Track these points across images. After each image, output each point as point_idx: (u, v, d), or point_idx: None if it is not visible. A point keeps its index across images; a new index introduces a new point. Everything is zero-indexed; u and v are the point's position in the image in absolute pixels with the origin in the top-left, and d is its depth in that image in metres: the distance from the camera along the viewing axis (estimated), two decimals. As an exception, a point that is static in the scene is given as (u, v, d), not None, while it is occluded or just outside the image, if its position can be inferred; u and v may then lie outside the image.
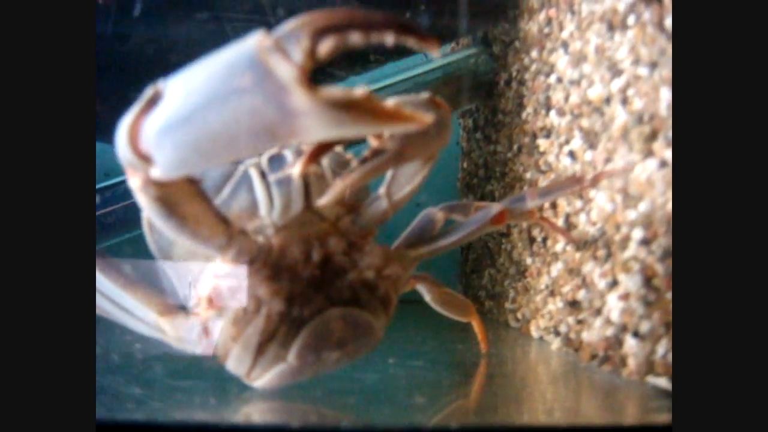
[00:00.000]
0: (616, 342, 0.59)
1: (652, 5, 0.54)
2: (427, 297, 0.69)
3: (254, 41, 0.34)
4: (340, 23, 0.35)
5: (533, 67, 0.80)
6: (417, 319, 0.82)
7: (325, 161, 0.54)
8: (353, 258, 0.52)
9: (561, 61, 0.71)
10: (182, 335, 0.51)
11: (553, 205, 0.74)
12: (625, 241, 0.57)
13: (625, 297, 0.57)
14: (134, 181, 0.41)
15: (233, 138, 0.37)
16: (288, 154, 0.52)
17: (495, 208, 0.58)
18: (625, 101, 0.59)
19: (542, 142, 0.78)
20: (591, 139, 0.65)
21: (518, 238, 0.90)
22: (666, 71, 0.53)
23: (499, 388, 0.66)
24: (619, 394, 0.58)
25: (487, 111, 1.05)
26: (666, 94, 0.52)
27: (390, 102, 0.35)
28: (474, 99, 1.10)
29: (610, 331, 0.60)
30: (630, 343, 0.56)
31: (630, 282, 0.56)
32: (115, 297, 0.50)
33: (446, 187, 1.31)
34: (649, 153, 0.55)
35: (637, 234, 0.56)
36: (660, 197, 0.53)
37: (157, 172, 0.39)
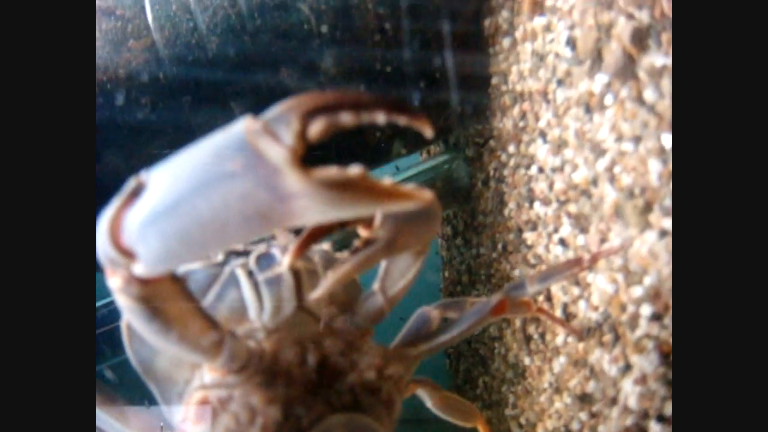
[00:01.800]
0: (639, 431, 0.55)
1: (629, 82, 0.55)
2: (429, 402, 0.64)
3: (242, 126, 0.33)
4: (330, 104, 0.34)
5: (512, 162, 0.80)
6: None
7: (317, 258, 0.51)
8: (352, 359, 0.49)
9: (540, 150, 0.71)
10: (168, 457, 0.45)
11: (548, 297, 0.72)
12: (634, 320, 0.55)
13: (642, 380, 0.54)
14: (114, 281, 0.38)
15: (224, 225, 0.34)
16: (276, 253, 0.49)
17: (495, 298, 0.55)
18: (612, 179, 0.58)
19: (529, 236, 0.77)
20: (581, 223, 0.64)
21: (512, 339, 0.87)
22: (651, 143, 0.53)
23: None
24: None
25: (465, 215, 1.05)
26: (655, 165, 0.52)
27: (386, 180, 0.33)
28: (451, 205, 1.10)
29: (629, 420, 0.56)
30: (654, 430, 0.52)
31: (645, 362, 0.53)
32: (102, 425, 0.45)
33: (430, 299, 1.29)
34: (646, 225, 0.53)
35: (646, 310, 0.53)
36: (665, 268, 0.51)
37: (140, 268, 0.36)
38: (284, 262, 0.47)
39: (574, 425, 0.66)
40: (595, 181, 0.61)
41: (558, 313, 0.69)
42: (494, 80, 0.84)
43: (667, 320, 0.51)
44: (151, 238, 0.35)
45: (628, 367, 0.56)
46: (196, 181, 0.34)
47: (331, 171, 0.33)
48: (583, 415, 0.64)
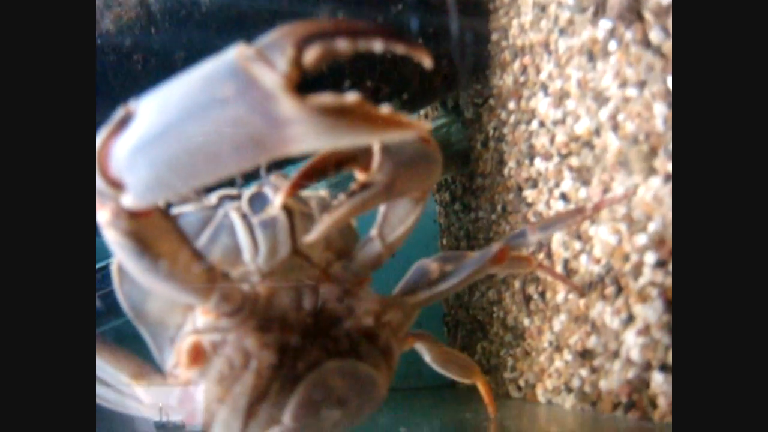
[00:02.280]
0: (641, 383, 0.54)
1: (634, 25, 0.53)
2: (427, 357, 0.63)
3: (234, 52, 0.31)
4: (327, 31, 0.33)
5: (512, 119, 0.78)
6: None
7: (313, 203, 0.50)
8: (349, 305, 0.47)
9: (541, 104, 0.70)
10: (160, 401, 0.44)
11: (549, 254, 0.71)
12: (638, 268, 0.54)
13: (645, 330, 0.53)
14: (103, 214, 0.37)
15: (215, 152, 0.33)
16: (269, 193, 0.48)
17: (495, 246, 0.54)
18: (616, 127, 0.57)
19: (529, 193, 0.75)
20: (583, 176, 0.63)
21: (512, 301, 0.86)
22: (657, 86, 0.51)
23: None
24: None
25: (464, 179, 1.03)
26: (660, 109, 0.51)
27: (385, 108, 0.31)
28: (448, 170, 1.08)
29: (632, 373, 0.55)
30: (657, 381, 0.51)
31: (649, 311, 0.52)
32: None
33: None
34: (651, 171, 0.52)
35: (650, 258, 0.52)
36: (670, 212, 0.50)
37: (129, 200, 0.35)
38: (276, 201, 0.46)
39: (575, 382, 0.65)
40: (597, 131, 0.60)
41: (559, 269, 0.68)
42: (494, 36, 0.82)
43: (671, 267, 0.50)
44: (140, 167, 0.34)
45: (630, 319, 0.55)
46: (187, 107, 0.32)
47: (327, 97, 0.31)
48: (584, 372, 0.63)
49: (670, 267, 0.50)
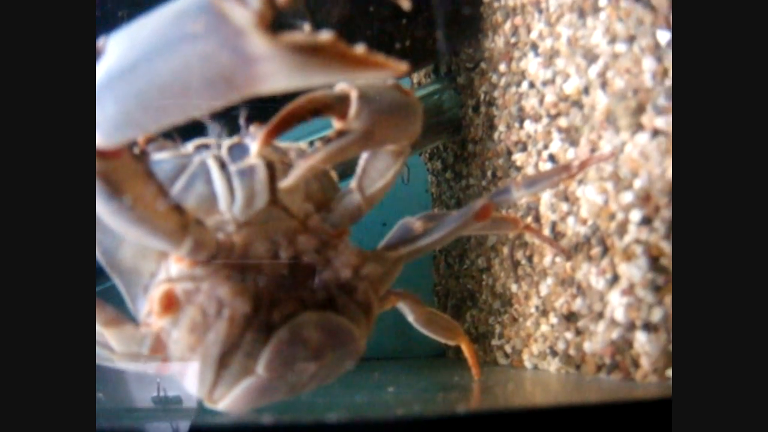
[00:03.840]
0: (624, 343, 0.53)
1: (624, -23, 0.52)
2: (411, 317, 0.62)
3: None
4: None
5: (502, 82, 0.77)
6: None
7: (292, 154, 0.49)
8: (326, 256, 0.46)
9: (531, 64, 0.68)
10: (131, 349, 0.43)
11: (537, 218, 0.70)
12: (623, 227, 0.53)
13: (629, 290, 0.52)
14: (70, 155, 0.36)
15: (184, 87, 0.32)
16: (249, 144, 0.47)
17: (479, 202, 0.53)
18: (605, 84, 0.56)
19: (518, 157, 0.74)
20: (572, 136, 0.62)
21: (500, 268, 0.85)
22: (646, 41, 0.50)
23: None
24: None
25: (456, 146, 1.02)
26: (649, 64, 0.49)
27: (360, 48, 0.30)
28: (440, 136, 1.07)
29: (615, 334, 0.54)
30: (640, 340, 0.51)
31: (633, 270, 0.51)
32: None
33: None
34: (638, 127, 0.51)
35: (636, 215, 0.51)
36: (657, 168, 0.49)
37: (97, 138, 0.34)
38: (252, 149, 0.45)
39: (560, 345, 0.64)
40: (587, 90, 0.59)
41: (547, 233, 0.67)
42: (486, -3, 0.80)
43: (657, 223, 0.49)
44: (108, 103, 0.33)
45: (615, 278, 0.54)
46: (156, 43, 0.32)
47: (299, 35, 0.30)
48: (569, 334, 0.62)
49: (655, 224, 0.50)
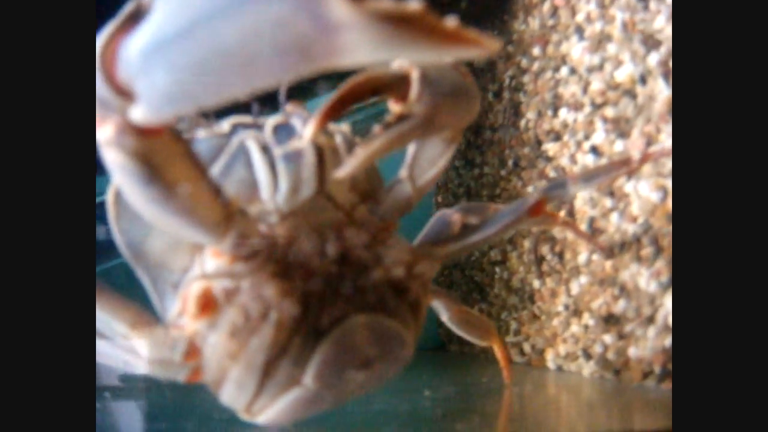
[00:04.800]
0: (681, 352, 0.49)
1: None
2: (445, 316, 0.58)
3: None
4: None
5: (535, 67, 0.73)
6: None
7: (338, 138, 0.44)
8: (376, 253, 0.42)
9: (575, 49, 0.64)
10: (161, 355, 0.38)
11: (571, 213, 0.66)
12: (687, 228, 0.49)
13: (690, 296, 0.48)
14: (105, 130, 0.30)
15: (252, 56, 0.26)
16: (297, 124, 0.42)
17: (532, 197, 0.49)
18: (667, 74, 0.51)
19: (550, 147, 0.70)
20: (621, 127, 0.58)
21: (518, 262, 0.81)
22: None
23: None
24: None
25: (468, 133, 0.98)
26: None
27: (450, 20, 0.25)
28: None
29: (669, 340, 0.50)
30: (701, 351, 0.47)
31: (698, 275, 0.47)
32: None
33: (418, 227, 1.22)
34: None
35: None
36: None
37: (140, 112, 0.28)
38: (306, 132, 0.40)
39: (596, 348, 0.61)
40: (643, 78, 0.55)
41: (583, 228, 0.63)
42: (520, -25, 0.76)
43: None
44: (158, 71, 0.27)
45: (672, 282, 0.51)
46: (218, 0, 0.26)
47: (386, 2, 0.25)
48: (608, 337, 0.59)
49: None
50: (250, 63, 0.27)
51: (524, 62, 0.75)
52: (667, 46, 0.52)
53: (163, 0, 0.28)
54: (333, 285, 0.39)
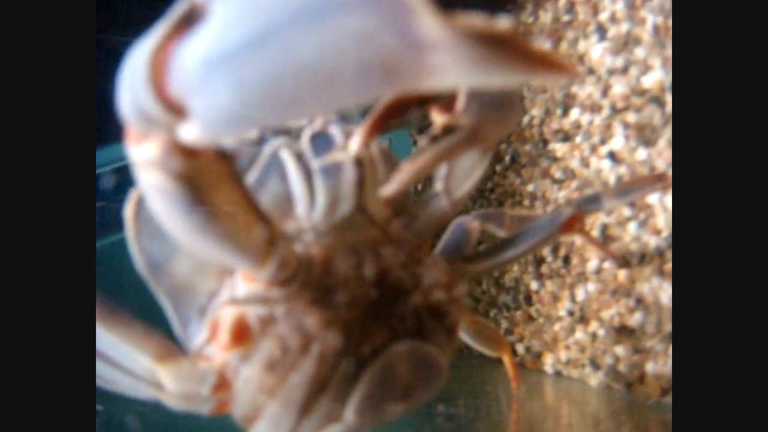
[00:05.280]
0: (707, 373, 0.48)
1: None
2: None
3: None
4: None
5: (544, 63, 0.70)
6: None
7: (375, 150, 0.40)
8: (414, 273, 0.39)
9: (595, 49, 0.62)
10: (188, 389, 0.35)
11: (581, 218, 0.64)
12: (722, 248, 0.48)
13: (720, 317, 0.47)
14: (148, 149, 0.26)
15: (332, 73, 0.22)
16: (336, 133, 0.38)
17: (565, 212, 0.47)
18: (703, 85, 0.50)
19: (558, 147, 0.68)
20: (646, 135, 0.56)
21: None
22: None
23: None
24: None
25: (459, 123, 0.95)
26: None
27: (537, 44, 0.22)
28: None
29: (694, 360, 0.49)
30: (730, 374, 0.46)
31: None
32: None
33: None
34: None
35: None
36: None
37: (192, 131, 0.24)
38: (350, 146, 0.36)
39: (606, 359, 0.60)
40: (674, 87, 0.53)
41: (594, 235, 0.62)
42: (529, -34, 0.73)
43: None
44: (221, 86, 0.23)
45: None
46: (293, 7, 0.22)
47: (477, 19, 0.22)
48: (621, 350, 0.58)
49: None
50: (329, 81, 0.23)
51: (532, 57, 0.73)
52: (704, 56, 0.50)
53: (223, 2, 0.24)
54: (373, 311, 0.36)
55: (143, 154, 0.26)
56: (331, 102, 0.24)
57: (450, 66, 0.22)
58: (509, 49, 0.22)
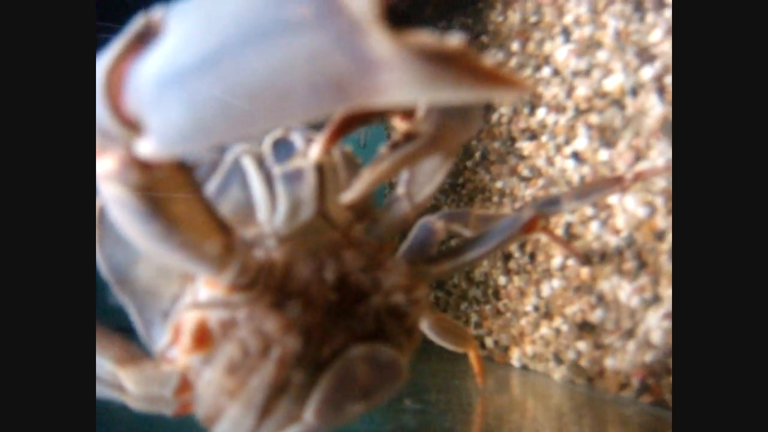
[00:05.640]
0: (662, 368, 0.50)
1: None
2: (424, 324, 0.57)
3: None
4: None
5: (513, 62, 0.71)
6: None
7: (336, 155, 0.41)
8: (375, 276, 0.40)
9: (560, 51, 0.63)
10: (151, 391, 0.35)
11: (546, 216, 0.65)
12: (677, 249, 0.49)
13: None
14: (106, 162, 0.27)
15: (284, 92, 0.23)
16: (297, 140, 0.39)
17: (526, 214, 0.48)
18: (662, 90, 0.51)
19: (525, 145, 0.69)
20: (607, 137, 0.57)
21: (482, 255, 0.81)
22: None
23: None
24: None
25: (432, 118, 0.96)
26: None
27: (487, 59, 0.23)
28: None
29: (650, 356, 0.51)
30: (683, 370, 0.48)
31: (686, 297, 0.48)
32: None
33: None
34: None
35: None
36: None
37: (148, 146, 0.25)
38: (311, 152, 0.37)
39: (569, 354, 0.61)
40: (634, 91, 0.54)
41: (559, 233, 0.63)
42: (498, -34, 0.74)
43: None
44: (175, 104, 0.24)
45: (656, 299, 0.51)
46: (246, 27, 0.23)
47: (427, 36, 0.22)
48: (583, 345, 0.59)
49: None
50: (281, 99, 0.24)
51: (500, 56, 0.74)
52: (663, 62, 0.51)
53: (177, 20, 0.24)
54: (332, 314, 0.37)
55: (103, 167, 0.27)
56: (284, 120, 0.25)
57: (400, 84, 0.22)
58: (459, 66, 0.23)
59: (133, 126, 0.25)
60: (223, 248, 0.32)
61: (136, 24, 0.25)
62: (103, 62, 0.25)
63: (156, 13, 0.25)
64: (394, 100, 0.24)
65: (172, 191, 0.30)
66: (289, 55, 0.23)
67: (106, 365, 0.35)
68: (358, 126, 0.37)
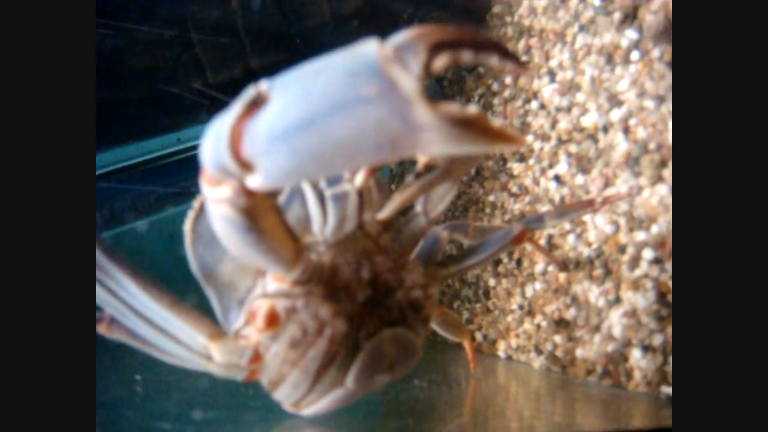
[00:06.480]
0: (620, 357, 0.62)
1: (662, 44, 0.58)
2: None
3: (373, 49, 0.33)
4: (454, 40, 0.36)
5: (506, 93, 0.83)
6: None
7: (371, 180, 0.53)
8: (399, 276, 0.51)
9: (546, 89, 0.74)
10: (231, 360, 0.46)
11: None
12: (635, 261, 0.61)
13: (632, 313, 0.61)
14: (222, 191, 0.38)
15: (356, 148, 0.35)
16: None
17: (515, 228, 0.59)
18: (627, 130, 0.63)
19: (515, 166, 0.81)
20: (583, 165, 0.69)
21: (473, 259, 0.92)
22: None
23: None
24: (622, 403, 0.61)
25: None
26: (678, 125, 0.57)
27: (496, 122, 0.35)
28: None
29: (611, 347, 0.63)
30: (636, 356, 0.60)
31: (640, 298, 0.60)
32: (157, 319, 0.45)
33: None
34: (659, 179, 0.59)
35: (648, 254, 0.59)
36: (671, 219, 0.57)
37: (257, 181, 0.36)
38: (357, 180, 0.48)
39: (547, 346, 0.73)
40: (605, 128, 0.66)
41: (541, 243, 0.75)
42: (496, 8, 0.85)
43: (669, 266, 0.58)
44: (280, 154, 0.35)
45: (617, 301, 0.63)
46: (331, 100, 0.34)
47: (455, 107, 0.34)
48: (559, 338, 0.71)
49: (666, 266, 0.58)
50: (354, 152, 0.35)
51: (495, 86, 0.85)
52: (627, 107, 0.63)
53: (280, 92, 0.35)
54: (367, 305, 0.48)
55: (218, 194, 0.38)
56: (355, 165, 0.37)
57: (435, 141, 0.34)
58: (476, 128, 0.34)
59: (246, 166, 0.36)
60: (294, 253, 0.43)
61: (249, 92, 0.36)
62: (227, 119, 0.36)
63: (261, 84, 0.36)
64: (432, 152, 0.36)
65: (264, 211, 0.41)
66: (361, 122, 0.34)
67: (200, 339, 0.46)
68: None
